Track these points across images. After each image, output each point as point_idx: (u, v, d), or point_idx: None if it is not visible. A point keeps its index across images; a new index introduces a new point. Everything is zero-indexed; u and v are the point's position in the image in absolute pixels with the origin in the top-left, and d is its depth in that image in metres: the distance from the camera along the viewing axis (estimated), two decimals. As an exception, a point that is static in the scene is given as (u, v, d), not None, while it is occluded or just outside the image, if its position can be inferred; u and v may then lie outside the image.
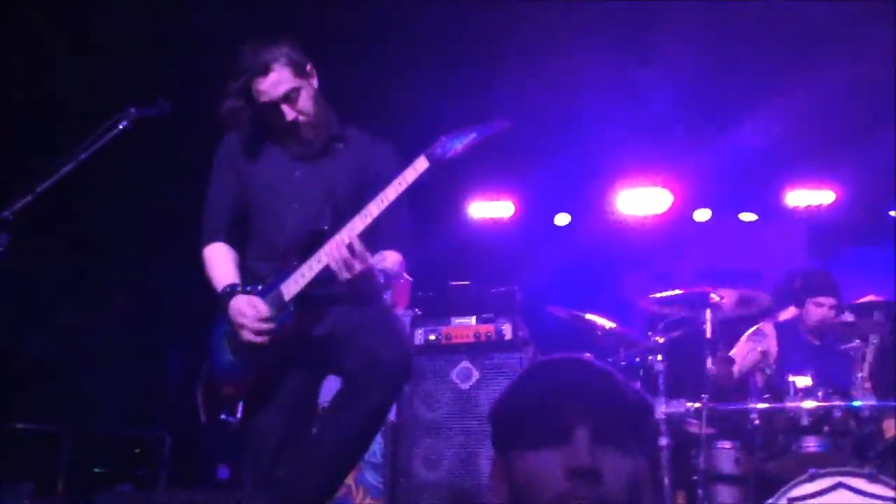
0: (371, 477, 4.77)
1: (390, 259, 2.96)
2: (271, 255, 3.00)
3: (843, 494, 3.50)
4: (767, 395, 4.21)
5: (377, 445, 4.72)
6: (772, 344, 4.94)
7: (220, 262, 3.05)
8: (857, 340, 4.26)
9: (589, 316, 4.71)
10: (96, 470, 6.39)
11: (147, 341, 6.95)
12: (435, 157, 2.72)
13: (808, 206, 7.10)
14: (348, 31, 5.65)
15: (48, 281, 6.35)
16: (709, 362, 4.21)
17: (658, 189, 7.23)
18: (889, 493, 3.44)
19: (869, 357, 4.31)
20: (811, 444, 4.02)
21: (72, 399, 6.42)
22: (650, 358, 4.41)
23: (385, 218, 2.78)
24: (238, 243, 3.11)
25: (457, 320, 4.98)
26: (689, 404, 4.17)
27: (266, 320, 2.85)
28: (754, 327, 5.04)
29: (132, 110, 2.94)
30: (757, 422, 4.11)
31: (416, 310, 5.15)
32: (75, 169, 2.84)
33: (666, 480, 4.10)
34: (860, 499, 3.47)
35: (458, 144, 2.71)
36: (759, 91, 6.22)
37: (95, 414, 6.42)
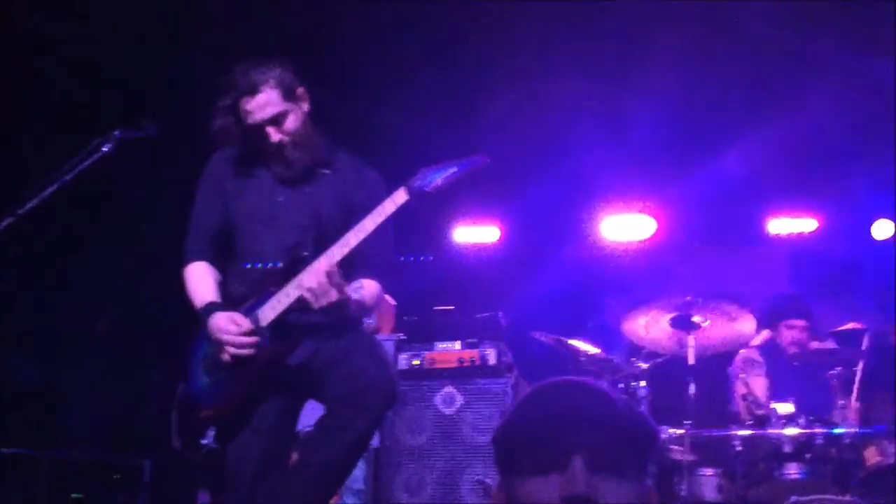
0: (353, 503, 4.73)
1: (368, 288, 2.94)
2: (250, 278, 2.98)
3: (824, 522, 3.51)
4: (750, 422, 4.22)
5: (359, 471, 4.68)
6: (762, 371, 4.95)
7: (201, 281, 3.03)
8: (839, 367, 4.29)
9: (572, 341, 4.72)
10: (74, 495, 6.31)
11: (128, 365, 6.89)
12: (414, 190, 2.74)
13: (790, 234, 7.17)
14: (334, 56, 5.68)
15: (28, 303, 6.30)
16: (691, 388, 4.21)
17: (642, 216, 7.27)
18: (870, 520, 3.45)
19: (857, 383, 4.33)
20: (793, 471, 4.04)
21: (50, 423, 6.35)
22: (633, 384, 4.42)
23: (365, 247, 2.78)
24: (220, 263, 3.09)
25: (441, 345, 4.97)
26: (671, 430, 4.18)
27: (249, 333, 2.83)
28: (743, 358, 4.98)
29: (117, 133, 2.94)
30: (739, 448, 4.11)
31: (401, 334, 5.14)
32: (59, 191, 2.83)
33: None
34: (842, 526, 3.48)
35: (438, 178, 2.72)
36: (743, 120, 6.29)
37: (75, 438, 6.35)
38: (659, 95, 5.88)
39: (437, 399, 4.81)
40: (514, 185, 6.88)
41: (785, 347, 4.96)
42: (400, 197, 2.76)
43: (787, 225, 7.16)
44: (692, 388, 4.21)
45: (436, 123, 5.92)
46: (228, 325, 2.83)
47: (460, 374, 4.84)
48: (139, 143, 2.97)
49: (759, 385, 4.85)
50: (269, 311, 2.85)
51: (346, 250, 2.76)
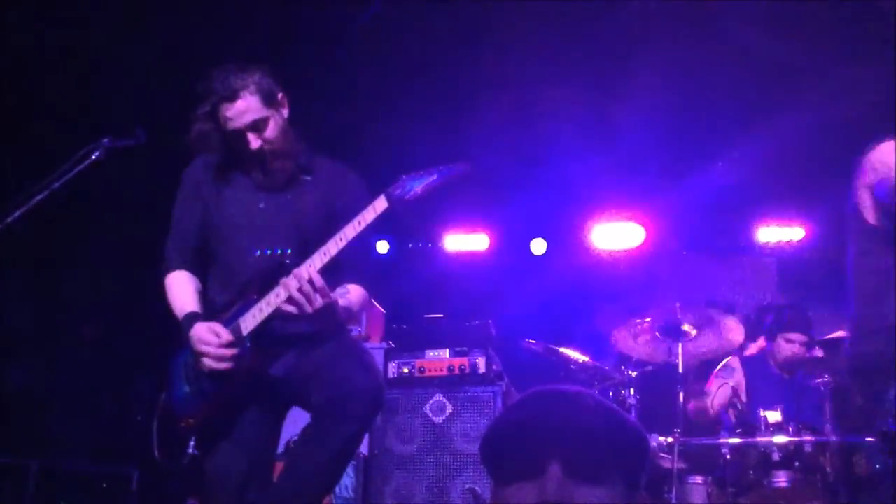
0: (342, 512, 4.72)
1: (354, 293, 2.92)
2: (231, 286, 2.94)
3: (813, 529, 3.51)
4: (739, 430, 4.23)
5: (348, 479, 4.67)
6: (740, 379, 4.98)
7: (182, 291, 3.00)
8: (827, 376, 4.30)
9: (562, 349, 4.73)
10: (62, 504, 6.27)
11: (115, 373, 6.86)
12: (394, 198, 2.69)
13: (779, 242, 7.20)
14: (320, 64, 5.68)
15: (15, 311, 6.26)
16: (680, 396, 4.23)
17: (631, 224, 7.30)
18: (858, 528, 3.46)
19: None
20: (782, 478, 4.04)
21: (38, 432, 6.31)
22: (623, 392, 4.43)
23: (347, 252, 2.75)
24: (200, 270, 3.06)
25: (431, 353, 4.97)
26: (661, 438, 4.18)
27: (229, 345, 2.80)
28: (723, 362, 5.07)
29: (106, 140, 2.92)
30: (728, 456, 4.12)
31: (390, 342, 5.14)
32: (46, 199, 2.81)
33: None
34: (830, 534, 3.48)
35: (418, 186, 2.68)
36: (732, 129, 6.31)
37: (62, 447, 6.30)
38: (648, 104, 5.90)
39: (427, 407, 4.80)
40: (505, 194, 6.90)
41: (778, 358, 4.96)
42: (380, 205, 2.71)
43: (775, 233, 7.21)
44: (681, 397, 4.22)
45: (425, 131, 5.91)
46: (209, 337, 2.80)
47: (450, 383, 4.85)
48: (128, 151, 2.96)
49: (716, 388, 4.89)
50: (250, 321, 2.82)
51: (326, 258, 2.72)
